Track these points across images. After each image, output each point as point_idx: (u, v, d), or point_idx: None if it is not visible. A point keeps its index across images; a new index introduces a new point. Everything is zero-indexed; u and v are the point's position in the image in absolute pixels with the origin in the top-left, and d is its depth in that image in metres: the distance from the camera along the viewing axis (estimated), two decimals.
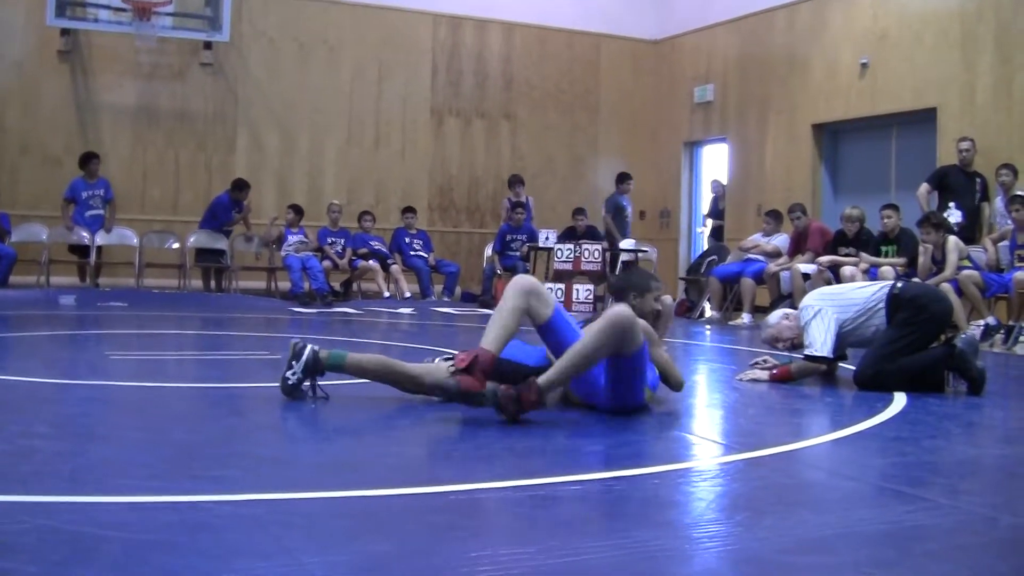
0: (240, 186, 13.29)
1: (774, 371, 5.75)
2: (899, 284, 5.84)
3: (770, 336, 6.09)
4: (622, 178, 14.49)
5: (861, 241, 10.58)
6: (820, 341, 5.61)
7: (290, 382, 4.38)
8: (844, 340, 5.77)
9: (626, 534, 2.59)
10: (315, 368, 4.39)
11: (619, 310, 4.16)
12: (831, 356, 5.67)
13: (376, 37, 14.96)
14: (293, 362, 4.38)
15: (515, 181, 14.43)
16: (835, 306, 5.70)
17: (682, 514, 2.88)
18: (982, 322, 9.03)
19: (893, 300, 5.62)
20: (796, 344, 5.86)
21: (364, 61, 14.94)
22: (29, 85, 13.35)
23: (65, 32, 13.27)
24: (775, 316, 6.18)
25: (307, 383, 4.41)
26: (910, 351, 5.53)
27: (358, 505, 2.80)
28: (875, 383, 5.45)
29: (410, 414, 4.31)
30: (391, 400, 4.26)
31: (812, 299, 5.84)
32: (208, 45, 13.83)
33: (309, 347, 4.40)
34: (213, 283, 13.38)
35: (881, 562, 2.42)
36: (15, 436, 3.57)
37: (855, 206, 10.94)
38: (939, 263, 9.43)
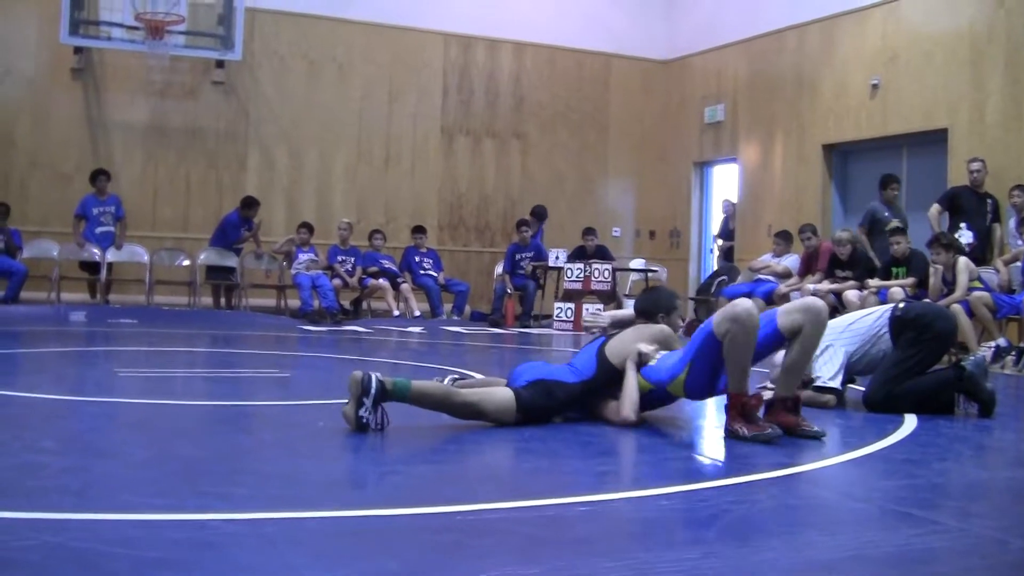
0: (249, 204, 13.33)
1: None
2: (901, 305, 5.83)
3: (777, 376, 6.05)
4: (884, 182, 11.63)
5: (855, 262, 10.59)
6: (829, 374, 5.61)
7: (364, 419, 4.12)
8: (853, 368, 5.77)
9: (633, 555, 2.58)
10: (382, 398, 4.18)
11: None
12: (840, 388, 5.67)
13: (387, 56, 15.02)
14: (364, 398, 4.12)
15: (534, 214, 14.54)
16: (841, 340, 5.69)
17: (690, 535, 2.87)
18: (993, 343, 8.99)
19: (897, 322, 5.62)
20: (805, 383, 5.80)
21: (375, 80, 15.00)
22: (42, 102, 13.42)
23: (78, 50, 13.35)
24: (780, 355, 6.15)
25: (377, 412, 4.20)
26: (918, 371, 5.52)
27: (365, 524, 2.79)
28: (885, 405, 5.43)
29: (417, 434, 4.31)
30: (397, 419, 4.24)
31: None
32: (220, 64, 13.90)
33: (375, 379, 4.16)
34: (223, 300, 13.41)
35: None
36: (22, 452, 3.58)
37: (845, 228, 11.03)
38: (950, 284, 9.39)
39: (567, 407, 4.71)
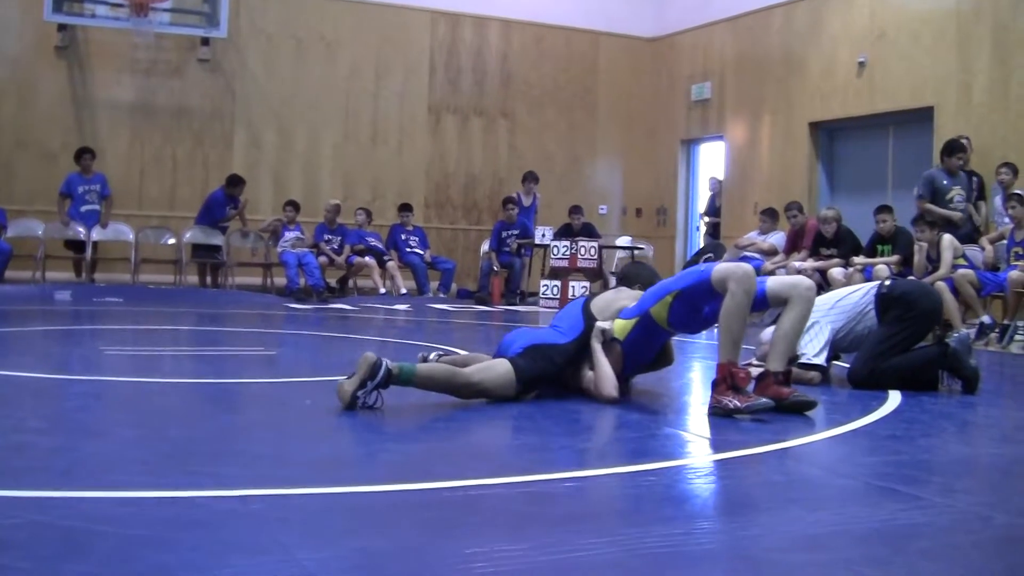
0: (234, 182, 13.27)
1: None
2: (887, 282, 5.84)
3: (765, 353, 6.07)
4: (951, 148, 10.25)
5: (840, 240, 10.64)
6: (814, 351, 5.63)
7: (360, 400, 4.13)
8: (838, 345, 5.79)
9: (620, 531, 2.59)
10: (384, 385, 4.20)
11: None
12: (825, 365, 5.69)
13: (374, 34, 14.94)
14: (368, 381, 4.14)
15: (527, 178, 14.50)
16: (826, 317, 5.71)
17: (676, 511, 2.88)
18: (977, 321, 9.04)
19: (882, 299, 5.64)
20: (790, 359, 5.81)
21: (362, 58, 14.93)
22: (26, 80, 13.32)
23: (62, 27, 13.24)
24: (767, 333, 6.17)
25: (372, 395, 4.20)
26: (903, 348, 5.54)
27: (354, 501, 2.80)
28: (869, 381, 5.45)
29: (405, 411, 4.31)
30: (387, 397, 4.24)
31: None
32: (206, 41, 13.80)
33: (385, 366, 4.16)
34: (209, 279, 13.37)
35: (875, 560, 2.42)
36: (9, 431, 3.57)
37: (830, 207, 11.09)
38: (934, 261, 9.43)
39: (563, 369, 4.75)
